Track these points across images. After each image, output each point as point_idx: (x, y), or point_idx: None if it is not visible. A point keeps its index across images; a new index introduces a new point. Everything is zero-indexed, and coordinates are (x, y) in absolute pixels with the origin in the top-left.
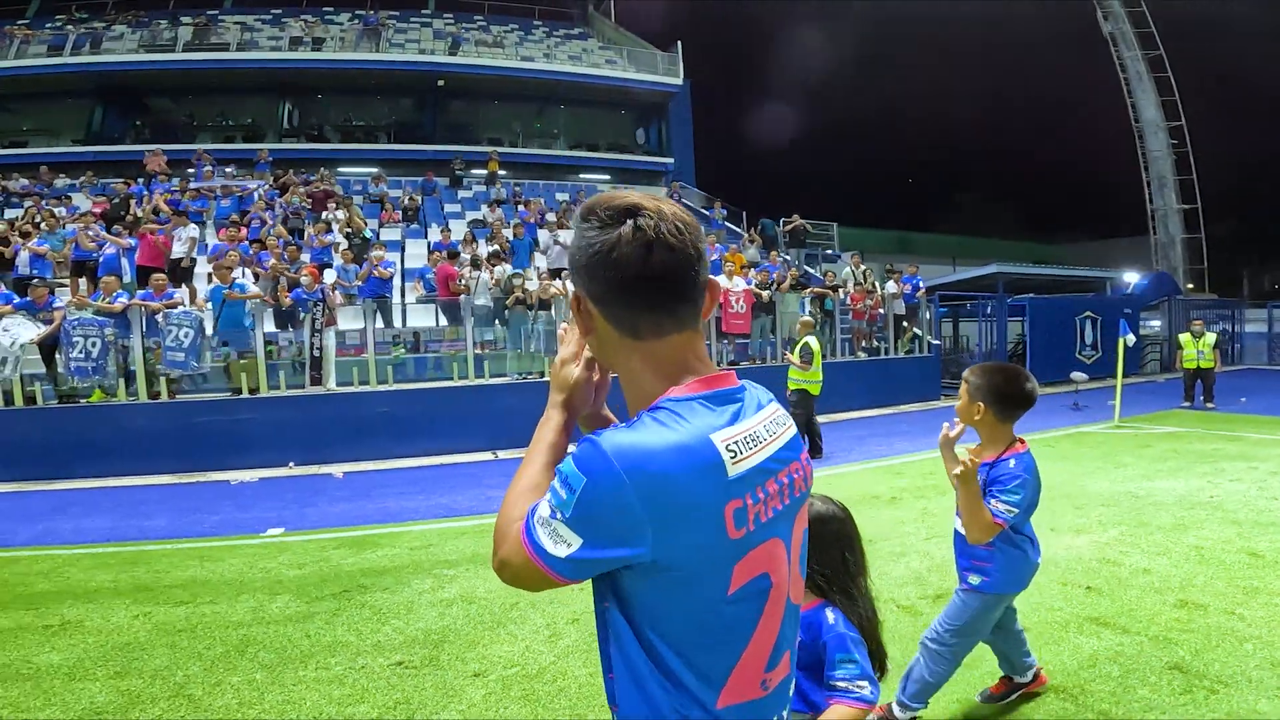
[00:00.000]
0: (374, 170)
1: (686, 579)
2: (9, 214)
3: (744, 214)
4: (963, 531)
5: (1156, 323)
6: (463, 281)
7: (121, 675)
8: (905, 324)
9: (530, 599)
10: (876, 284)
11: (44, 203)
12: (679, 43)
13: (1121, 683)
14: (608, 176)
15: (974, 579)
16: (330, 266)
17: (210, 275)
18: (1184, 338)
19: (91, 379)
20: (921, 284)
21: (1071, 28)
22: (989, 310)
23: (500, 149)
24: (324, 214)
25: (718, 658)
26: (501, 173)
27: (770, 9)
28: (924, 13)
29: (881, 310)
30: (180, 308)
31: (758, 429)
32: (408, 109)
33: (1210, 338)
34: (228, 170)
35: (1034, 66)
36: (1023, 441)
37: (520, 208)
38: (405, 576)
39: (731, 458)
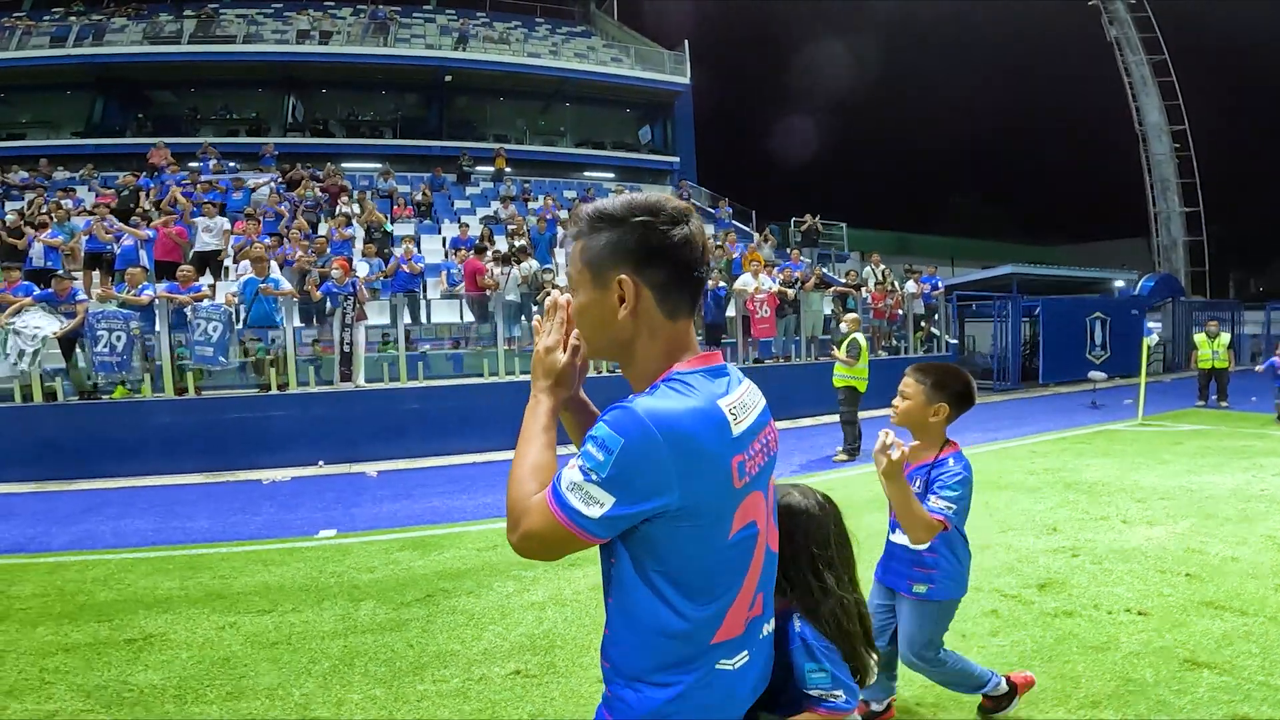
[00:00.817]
0: (378, 166)
1: (701, 523)
2: (9, 206)
3: (753, 213)
4: (901, 541)
5: (1155, 324)
6: (490, 277)
7: (235, 696)
8: (922, 323)
9: None
10: (896, 284)
11: (48, 195)
12: (686, 42)
13: (1265, 658)
14: (612, 175)
15: (920, 588)
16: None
17: (227, 269)
18: (1199, 338)
19: (116, 374)
20: (941, 284)
21: (1073, 32)
22: (1003, 311)
23: (505, 146)
24: (338, 208)
25: (716, 597)
26: (507, 170)
27: (771, 10)
28: (928, 14)
29: (901, 310)
30: (208, 300)
31: (744, 399)
32: (413, 105)
33: (1224, 338)
34: (231, 165)
35: (1034, 70)
36: (954, 443)
37: (536, 203)
38: (485, 579)
39: (733, 420)
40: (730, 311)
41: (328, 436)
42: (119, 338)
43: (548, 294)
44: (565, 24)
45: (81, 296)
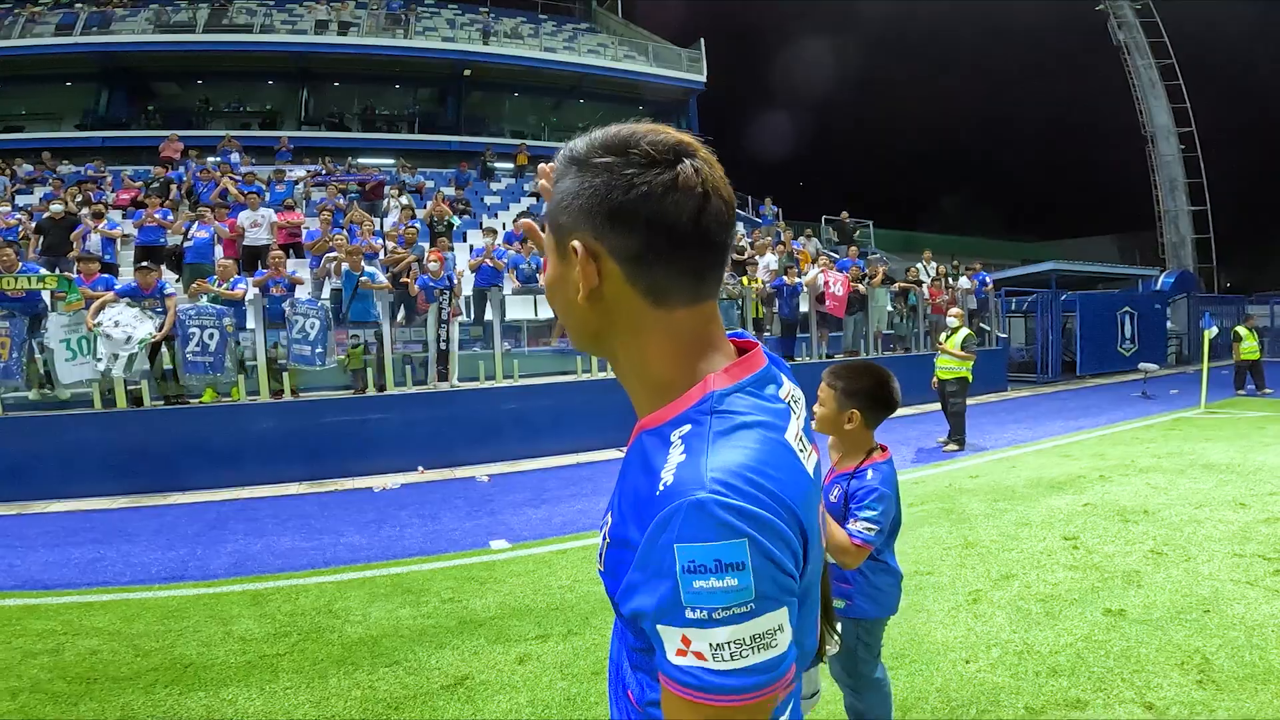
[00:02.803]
0: (391, 161)
1: (808, 593)
2: (20, 200)
3: (779, 211)
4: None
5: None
6: None
7: None
8: (973, 318)
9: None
10: (950, 280)
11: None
12: (701, 40)
13: None
14: None
15: (837, 602)
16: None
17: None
18: (1242, 331)
19: (207, 375)
20: (989, 280)
21: (1074, 35)
22: (1045, 305)
23: (525, 142)
24: (387, 202)
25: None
26: (505, 165)
27: (775, 9)
28: (932, 17)
29: (956, 305)
30: (306, 295)
31: (792, 399)
32: (428, 99)
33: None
34: (245, 158)
35: (1036, 71)
36: (885, 449)
37: None
38: None
39: (802, 452)
40: (803, 306)
41: (425, 440)
42: (211, 335)
43: None
44: (569, 20)
45: (170, 290)
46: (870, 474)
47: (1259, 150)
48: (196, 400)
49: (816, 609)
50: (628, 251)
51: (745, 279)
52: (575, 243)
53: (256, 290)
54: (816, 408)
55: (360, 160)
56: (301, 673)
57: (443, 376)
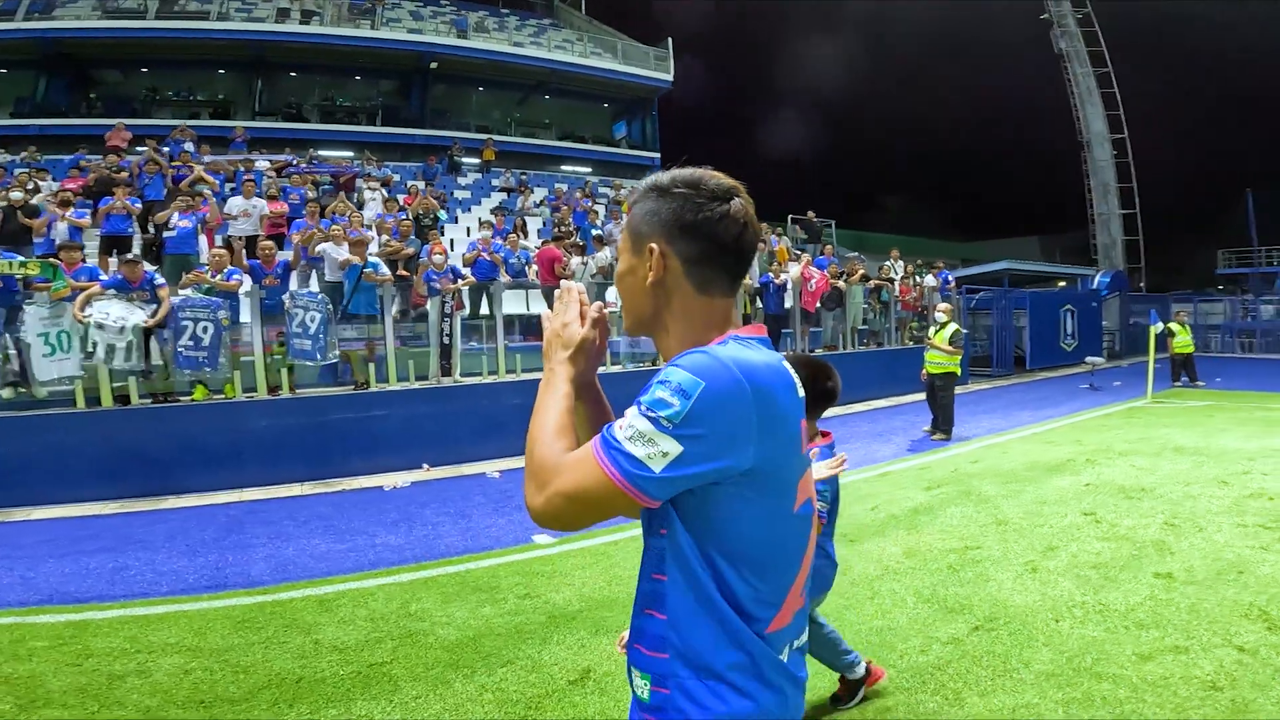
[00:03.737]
0: (350, 154)
1: (771, 488)
2: None
3: None
4: None
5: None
6: (565, 267)
7: None
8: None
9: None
10: (918, 278)
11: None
12: (669, 40)
13: None
14: (589, 169)
15: None
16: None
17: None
18: (1175, 326)
19: (202, 370)
20: (952, 278)
21: (1015, 41)
22: (1001, 303)
23: (484, 137)
24: (366, 194)
25: (780, 579)
26: (471, 160)
27: (731, 12)
28: (885, 23)
29: (923, 302)
30: (305, 288)
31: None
32: (390, 92)
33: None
34: (203, 146)
35: (975, 75)
36: (827, 434)
37: (535, 196)
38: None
39: (797, 382)
40: (788, 302)
41: (430, 436)
42: (205, 329)
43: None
44: (531, 15)
45: (160, 281)
46: (813, 453)
47: (1176, 159)
48: (188, 398)
49: (801, 538)
50: (688, 255)
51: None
52: (653, 244)
53: (252, 282)
54: None
55: (320, 152)
56: (421, 680)
57: (446, 371)
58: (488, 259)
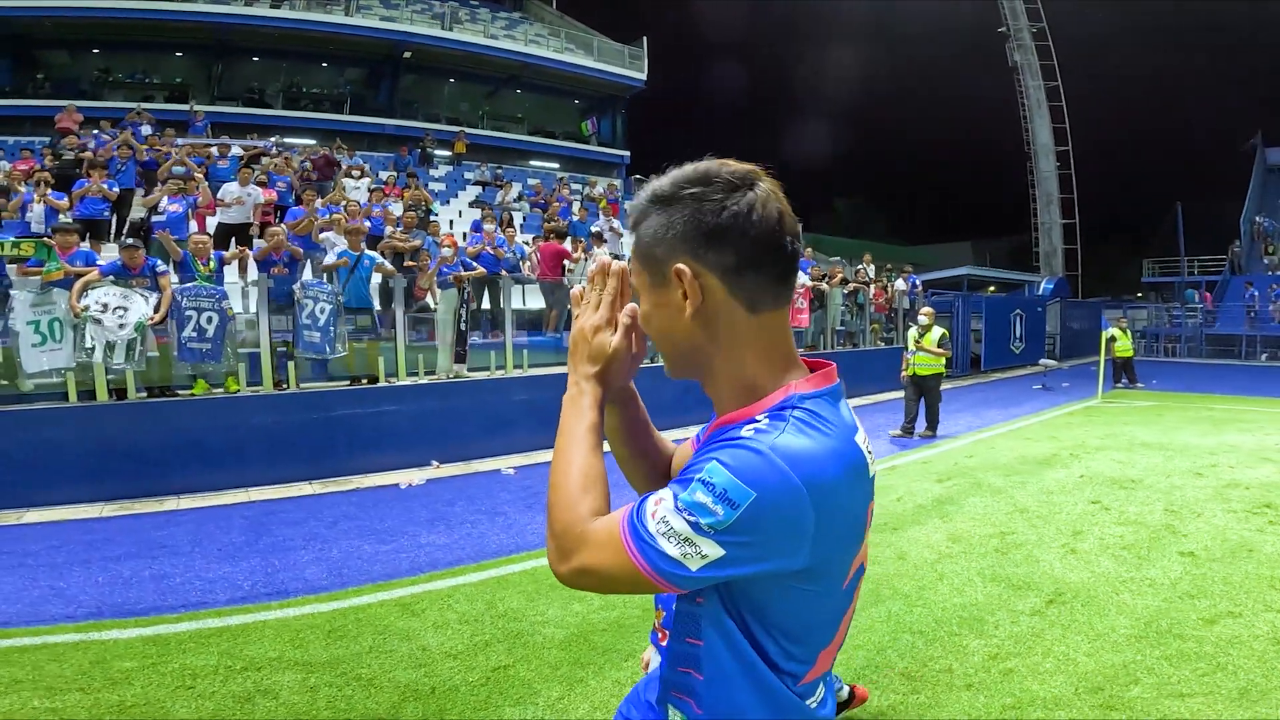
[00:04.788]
0: (312, 142)
1: (823, 578)
2: None
3: None
4: None
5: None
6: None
7: None
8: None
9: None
10: (888, 281)
11: None
12: (644, 38)
13: None
14: (557, 165)
15: None
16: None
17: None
18: (1116, 331)
19: (205, 364)
20: (919, 283)
21: (966, 51)
22: (962, 305)
23: (454, 129)
24: (348, 183)
25: (816, 643)
26: (442, 152)
27: (693, 12)
28: (845, 28)
29: (894, 305)
30: (317, 278)
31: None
32: (358, 80)
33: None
34: (168, 130)
35: (925, 85)
36: None
37: (511, 190)
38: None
39: (870, 459)
40: None
41: (438, 432)
42: (209, 319)
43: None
44: (502, 10)
45: (162, 268)
46: None
47: (1111, 171)
48: (187, 392)
49: (845, 606)
50: (725, 265)
51: None
52: (680, 265)
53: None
54: None
55: (285, 140)
56: (554, 680)
57: (460, 358)
58: (491, 253)
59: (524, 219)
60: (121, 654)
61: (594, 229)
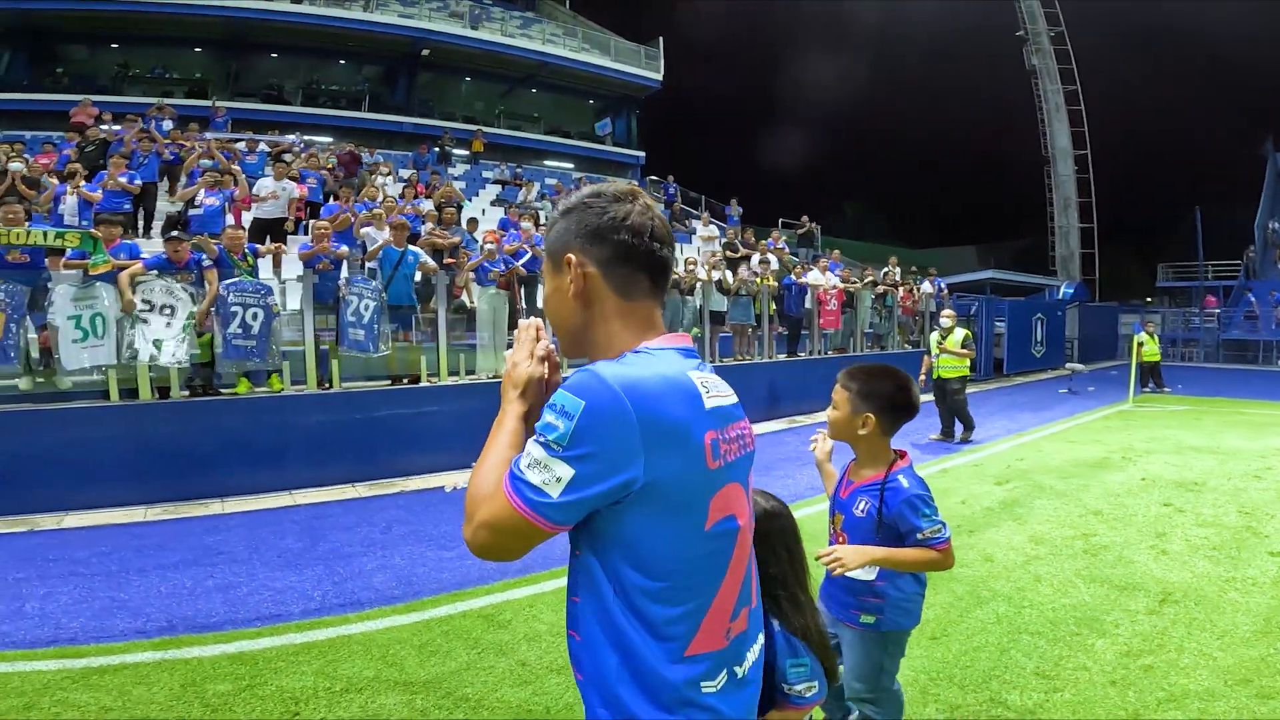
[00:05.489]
0: (329, 139)
1: (672, 504)
2: None
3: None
4: (855, 575)
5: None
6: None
7: None
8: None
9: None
10: (915, 284)
11: None
12: (660, 39)
13: None
14: (572, 165)
15: (867, 618)
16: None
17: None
18: (1144, 336)
19: (250, 361)
20: (945, 286)
21: (981, 54)
22: (986, 310)
23: (470, 127)
24: (377, 179)
25: (693, 598)
26: (459, 151)
27: (702, 12)
28: (860, 37)
29: (920, 308)
30: (359, 274)
31: (718, 382)
32: (376, 77)
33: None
34: (191, 125)
35: (942, 90)
36: (904, 454)
37: (532, 190)
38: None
39: (705, 392)
40: (808, 304)
41: (481, 433)
42: (255, 315)
43: (674, 283)
44: (515, 9)
45: (208, 263)
46: (904, 480)
47: (1130, 174)
48: (230, 391)
49: (720, 562)
50: (602, 258)
51: (761, 278)
52: (569, 255)
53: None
54: (830, 411)
55: (305, 137)
56: None
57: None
58: (529, 251)
59: (546, 218)
60: (210, 675)
61: None
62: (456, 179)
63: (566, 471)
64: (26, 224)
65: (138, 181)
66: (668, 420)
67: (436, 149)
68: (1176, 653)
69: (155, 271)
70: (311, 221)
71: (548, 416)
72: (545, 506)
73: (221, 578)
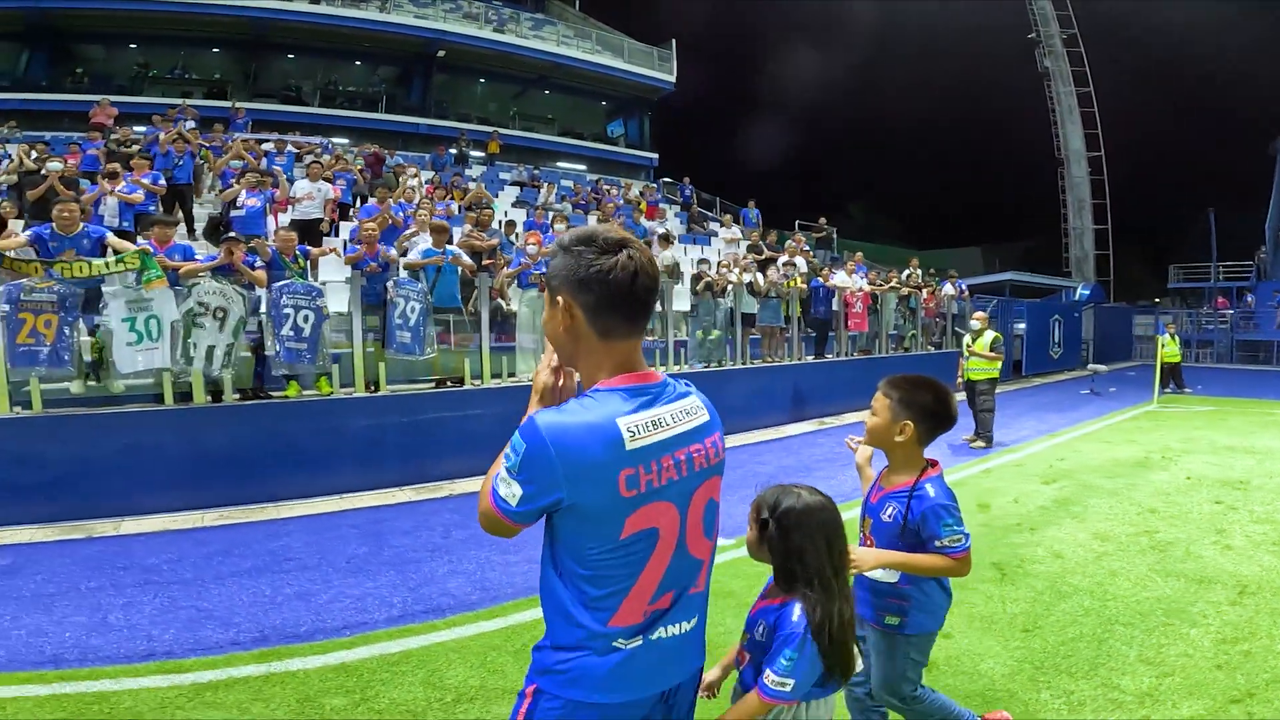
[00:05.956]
0: (345, 140)
1: (590, 521)
2: None
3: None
4: (877, 578)
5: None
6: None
7: None
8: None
9: None
10: (936, 286)
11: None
12: (674, 41)
13: None
14: (585, 167)
15: (891, 619)
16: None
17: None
18: (1164, 338)
19: (303, 364)
20: (965, 287)
21: (991, 56)
22: (1006, 311)
23: (486, 129)
24: (405, 180)
25: (614, 586)
26: (475, 154)
27: (716, 13)
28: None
29: (943, 310)
30: (404, 275)
31: (664, 415)
32: (391, 78)
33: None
34: (216, 126)
35: (951, 91)
36: (935, 463)
37: (551, 191)
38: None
39: (630, 436)
40: (836, 307)
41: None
42: (306, 318)
43: (708, 285)
44: (524, 11)
45: (260, 264)
46: (930, 489)
47: (1142, 176)
48: (279, 394)
49: (635, 564)
50: (587, 304)
51: (790, 281)
52: (559, 297)
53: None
54: (869, 417)
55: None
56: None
57: None
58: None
59: (565, 220)
60: (321, 689)
61: (660, 231)
62: (475, 181)
63: (518, 490)
64: (81, 223)
65: (161, 182)
66: (583, 462)
67: (453, 151)
68: (1269, 639)
69: (210, 274)
70: (359, 222)
71: (507, 449)
72: (509, 512)
73: (298, 585)
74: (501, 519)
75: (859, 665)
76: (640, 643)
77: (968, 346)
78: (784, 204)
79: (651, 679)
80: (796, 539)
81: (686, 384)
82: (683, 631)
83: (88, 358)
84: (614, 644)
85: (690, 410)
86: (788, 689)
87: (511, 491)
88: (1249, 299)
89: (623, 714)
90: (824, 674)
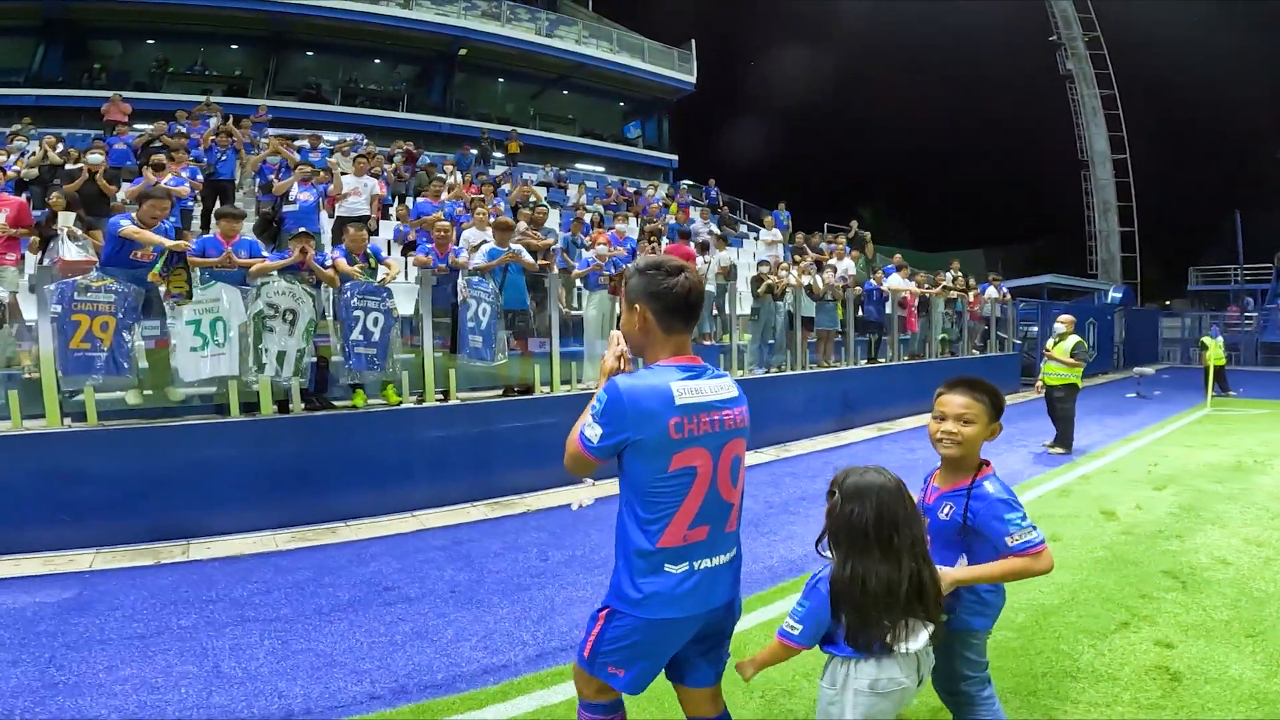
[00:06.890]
0: (359, 136)
1: (646, 455)
2: None
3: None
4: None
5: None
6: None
7: None
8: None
9: None
10: (979, 289)
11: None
12: (693, 41)
13: None
14: (603, 168)
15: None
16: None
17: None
18: (1209, 340)
19: (373, 371)
20: (1005, 290)
21: (1008, 59)
22: (1047, 314)
23: (505, 128)
24: (451, 178)
25: (661, 511)
26: (497, 154)
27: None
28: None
29: (985, 313)
30: (474, 276)
31: (703, 386)
32: (411, 77)
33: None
34: (245, 121)
35: (965, 93)
36: (989, 464)
37: (574, 190)
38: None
39: (679, 394)
40: (888, 309)
41: None
42: (376, 321)
43: (769, 288)
44: (539, 10)
45: (329, 262)
46: (990, 486)
47: (1167, 178)
48: (345, 405)
49: (680, 492)
50: (657, 310)
51: (846, 283)
52: (637, 304)
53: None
54: (961, 426)
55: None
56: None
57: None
58: (627, 256)
59: (600, 219)
60: None
61: (714, 232)
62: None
63: (599, 430)
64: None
65: (199, 177)
66: (646, 410)
67: (475, 150)
68: None
69: (278, 273)
70: (436, 224)
71: (593, 402)
72: (591, 447)
73: (412, 622)
74: (585, 455)
75: (913, 648)
76: (687, 568)
77: (1047, 351)
78: (792, 205)
79: (700, 600)
80: (849, 506)
81: (720, 370)
82: (721, 563)
83: (143, 364)
84: (665, 567)
85: (723, 386)
86: (796, 632)
87: (595, 432)
88: (1248, 300)
89: (678, 628)
90: (857, 636)
